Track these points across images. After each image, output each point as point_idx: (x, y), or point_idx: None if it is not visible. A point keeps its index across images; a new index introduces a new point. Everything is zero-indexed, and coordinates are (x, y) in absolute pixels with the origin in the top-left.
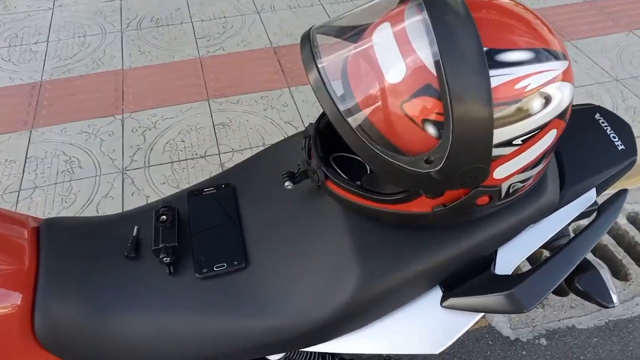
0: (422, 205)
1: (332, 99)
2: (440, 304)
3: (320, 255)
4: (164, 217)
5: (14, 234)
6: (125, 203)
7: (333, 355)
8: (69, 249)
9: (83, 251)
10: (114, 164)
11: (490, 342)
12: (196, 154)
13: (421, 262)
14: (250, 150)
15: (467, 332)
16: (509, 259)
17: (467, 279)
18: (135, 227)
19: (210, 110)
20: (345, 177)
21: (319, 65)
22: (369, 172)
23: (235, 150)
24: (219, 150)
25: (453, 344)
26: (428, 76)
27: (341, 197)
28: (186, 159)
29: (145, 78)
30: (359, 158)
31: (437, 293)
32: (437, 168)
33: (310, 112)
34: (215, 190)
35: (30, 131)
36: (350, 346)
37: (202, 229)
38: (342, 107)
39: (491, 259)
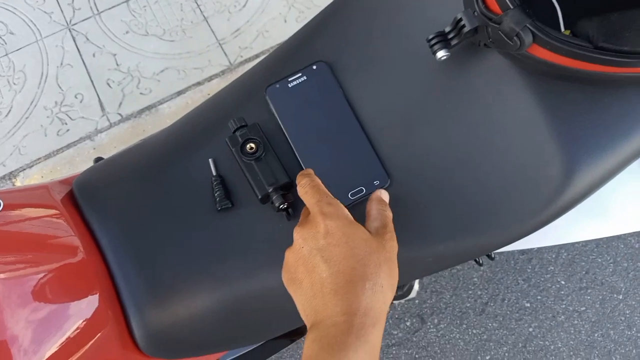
0: None
1: None
2: None
3: (499, 146)
4: (252, 145)
5: (45, 216)
6: (90, 70)
7: None
8: (130, 211)
9: (152, 209)
10: (52, 19)
11: None
12: None
13: None
14: None
15: None
16: None
17: None
18: (211, 160)
19: None
20: (563, 33)
21: None
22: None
23: None
24: None
25: None
26: None
27: (549, 63)
28: None
29: None
30: None
31: None
32: None
33: None
34: (305, 78)
35: None
36: (553, 238)
37: (308, 142)
38: None
39: None
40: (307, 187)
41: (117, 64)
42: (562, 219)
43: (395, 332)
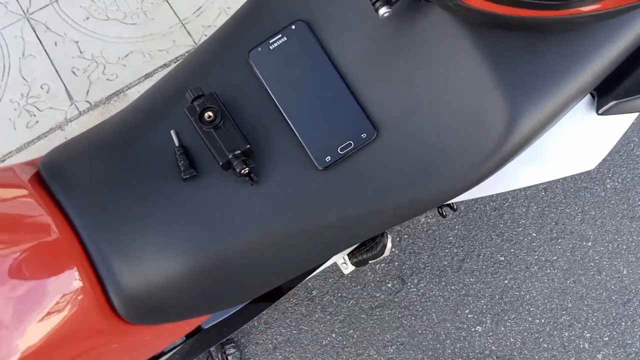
0: None
1: None
2: (597, 111)
3: (445, 99)
4: (210, 114)
5: (14, 197)
6: (53, 58)
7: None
8: (98, 187)
9: (119, 183)
10: (8, 10)
11: None
12: None
13: (582, 74)
14: None
15: None
16: None
17: (624, 73)
18: (172, 131)
19: None
20: None
21: None
22: None
23: None
24: None
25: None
26: None
27: (486, 12)
28: None
29: None
30: None
31: (586, 101)
32: None
33: None
34: (285, 38)
35: None
36: (499, 186)
37: (295, 103)
38: None
39: None
40: None
41: (81, 51)
42: (509, 167)
43: (378, 295)
